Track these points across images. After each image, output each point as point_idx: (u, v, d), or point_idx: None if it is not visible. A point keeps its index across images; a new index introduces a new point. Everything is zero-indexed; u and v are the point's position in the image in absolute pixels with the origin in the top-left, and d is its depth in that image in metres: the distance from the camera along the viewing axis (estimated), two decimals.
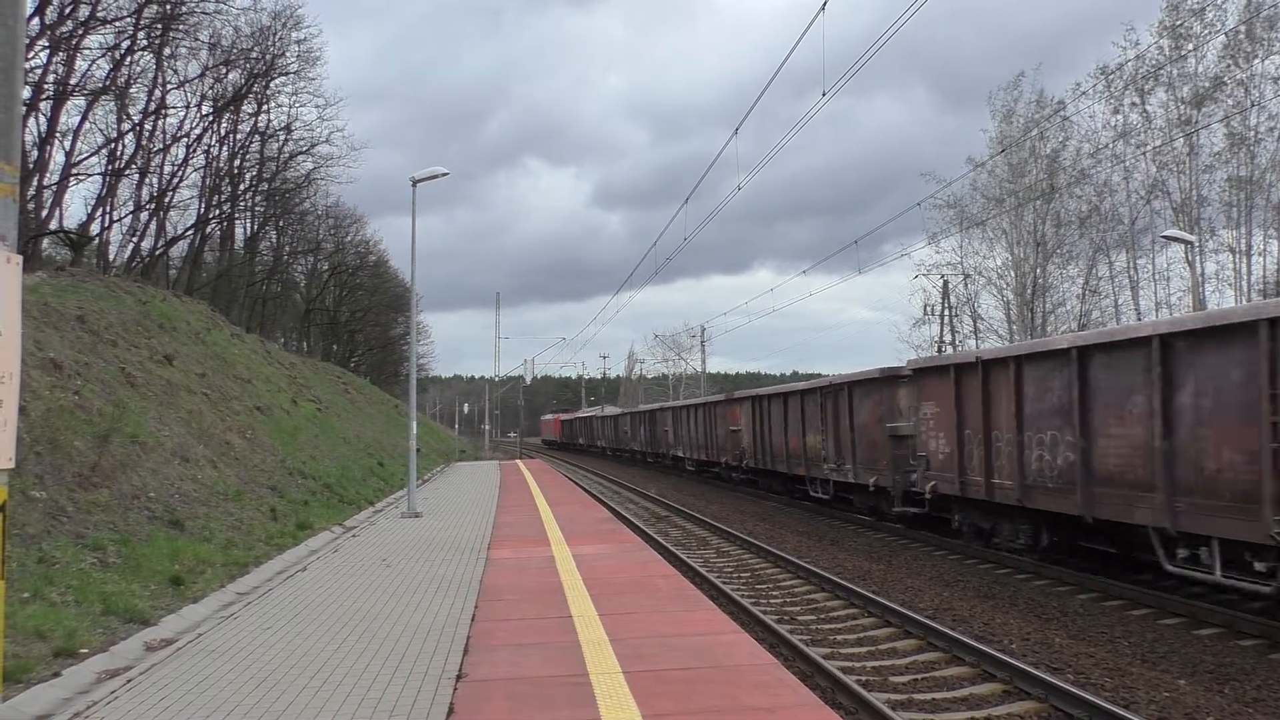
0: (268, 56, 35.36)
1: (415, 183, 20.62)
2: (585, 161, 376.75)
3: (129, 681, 7.19)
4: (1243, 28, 33.34)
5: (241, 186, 39.68)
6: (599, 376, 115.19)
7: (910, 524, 19.21)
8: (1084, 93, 39.33)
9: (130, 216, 32.52)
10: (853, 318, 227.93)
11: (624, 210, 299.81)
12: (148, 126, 30.81)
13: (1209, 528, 10.49)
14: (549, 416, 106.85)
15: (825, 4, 13.99)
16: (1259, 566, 10.03)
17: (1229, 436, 10.26)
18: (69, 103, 26.29)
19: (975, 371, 15.42)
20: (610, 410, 72.97)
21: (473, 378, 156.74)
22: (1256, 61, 33.69)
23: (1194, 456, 10.71)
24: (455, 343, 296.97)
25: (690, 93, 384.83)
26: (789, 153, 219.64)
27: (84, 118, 27.66)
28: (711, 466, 36.80)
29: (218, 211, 38.27)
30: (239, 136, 38.00)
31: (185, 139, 33.64)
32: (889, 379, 19.96)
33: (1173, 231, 29.80)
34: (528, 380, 79.35)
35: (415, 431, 21.53)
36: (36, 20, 22.81)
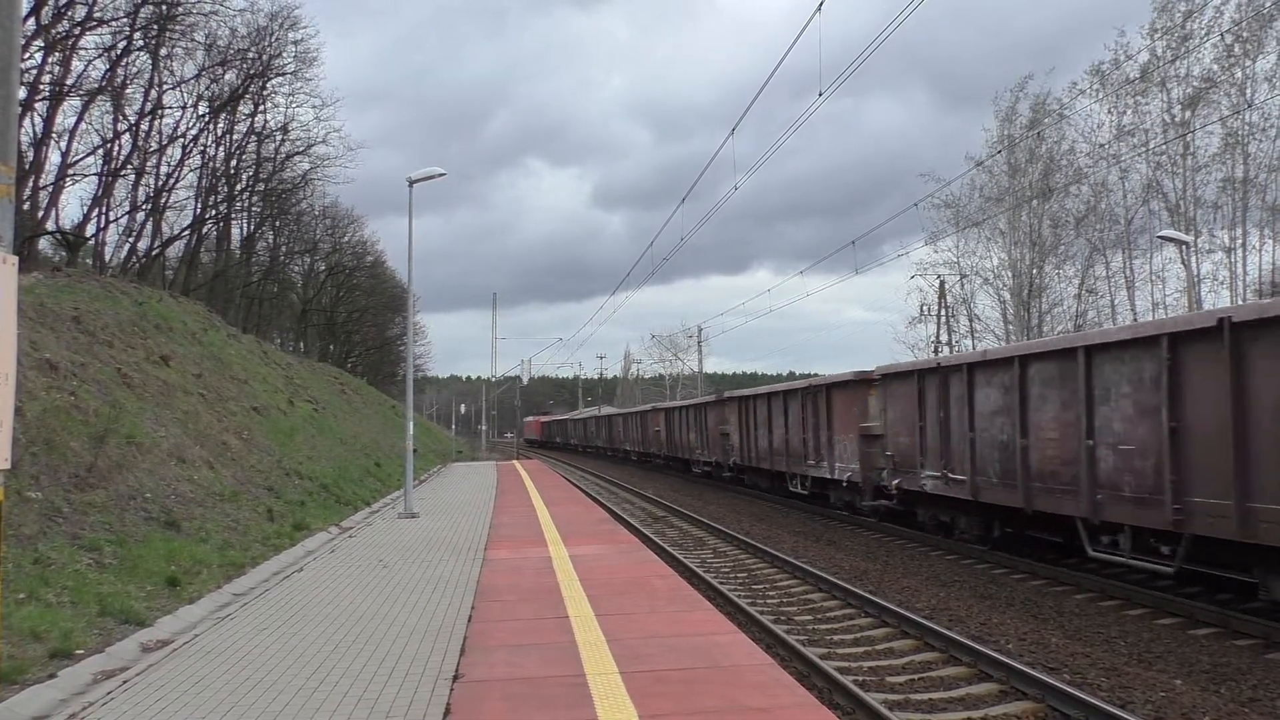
0: (264, 57, 35.37)
1: (412, 183, 20.61)
2: (587, 162, 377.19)
3: (125, 683, 7.18)
4: (1234, 28, 33.40)
5: (238, 187, 39.68)
6: (596, 377, 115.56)
7: (728, 481, 33.11)
8: (1081, 91, 39.43)
9: (126, 217, 32.57)
10: (851, 318, 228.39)
11: (625, 211, 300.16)
12: (144, 127, 30.84)
13: (793, 469, 25.00)
14: (530, 419, 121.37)
15: (821, 4, 14.00)
16: (804, 485, 24.34)
17: (793, 436, 24.86)
18: (65, 103, 26.29)
19: (743, 402, 29.88)
20: (578, 414, 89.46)
21: (469, 378, 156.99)
22: (1249, 62, 33.77)
23: (796, 444, 24.58)
24: (454, 343, 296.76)
25: (692, 93, 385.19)
26: (789, 154, 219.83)
27: (80, 118, 27.66)
28: (645, 456, 50.82)
29: (214, 212, 38.25)
30: (235, 137, 38.03)
31: (181, 139, 33.67)
32: (720, 401, 33.39)
33: (1168, 232, 29.86)
34: (524, 381, 79.39)
35: (412, 432, 21.53)
36: (32, 20, 22.78)
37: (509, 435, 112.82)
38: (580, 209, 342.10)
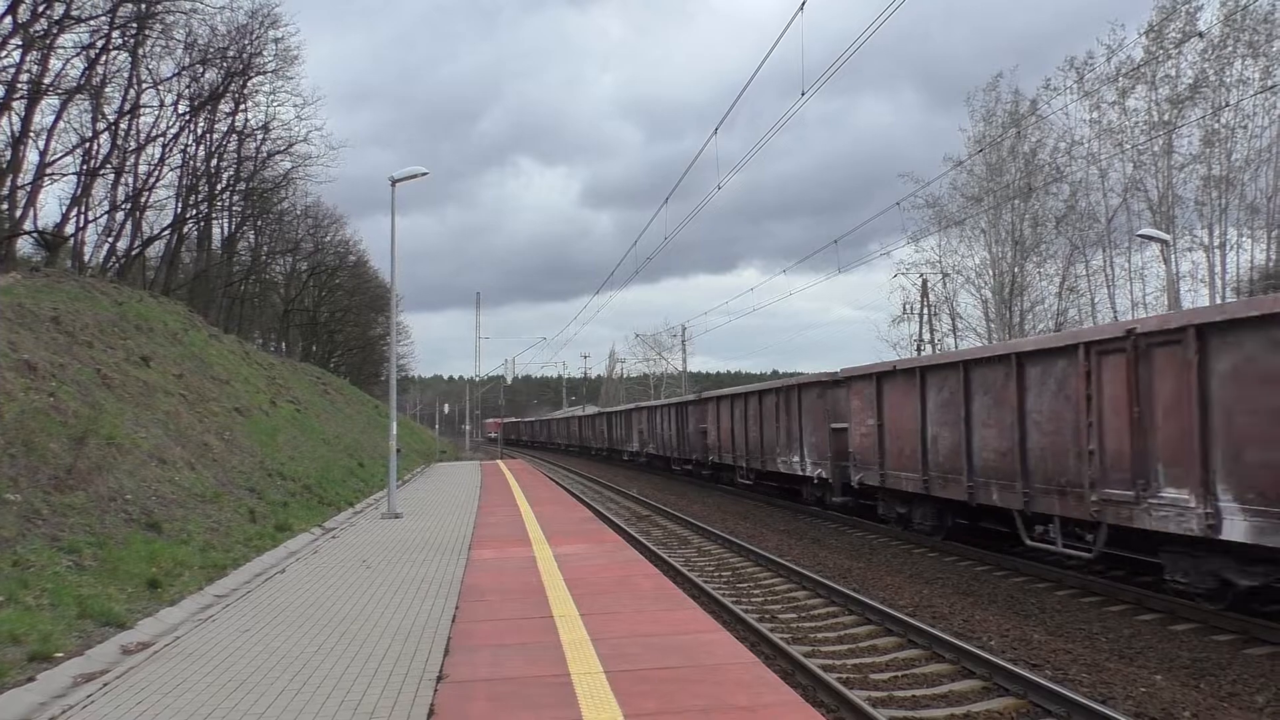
0: (245, 55, 35.11)
1: (394, 182, 20.52)
2: (577, 161, 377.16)
3: (105, 685, 7.12)
4: (1219, 28, 33.66)
5: (219, 186, 39.38)
6: (580, 376, 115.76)
7: (604, 457, 58.84)
8: (1054, 89, 39.64)
9: (106, 217, 32.25)
10: (838, 316, 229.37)
11: (614, 210, 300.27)
12: (123, 126, 30.55)
13: (623, 448, 51.41)
14: (488, 420, 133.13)
15: (804, 4, 14.04)
16: (627, 455, 50.49)
17: (623, 432, 51.31)
18: (43, 102, 26.02)
19: (609, 415, 57.72)
20: (525, 419, 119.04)
21: (451, 378, 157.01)
22: (1237, 63, 34.03)
23: (624, 436, 50.49)
24: (439, 343, 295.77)
25: (685, 92, 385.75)
26: (780, 153, 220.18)
27: (58, 117, 27.39)
28: (569, 446, 75.03)
29: (195, 211, 37.96)
30: (216, 136, 37.73)
31: (161, 138, 33.38)
32: (601, 414, 62.27)
33: (1148, 230, 30.04)
34: (508, 380, 79.36)
35: (395, 432, 21.45)
36: (9, 19, 22.56)
37: (493, 435, 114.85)
38: (569, 208, 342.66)
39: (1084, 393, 12.24)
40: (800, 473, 22.93)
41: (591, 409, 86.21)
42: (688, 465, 35.76)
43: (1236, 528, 9.77)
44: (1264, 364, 9.63)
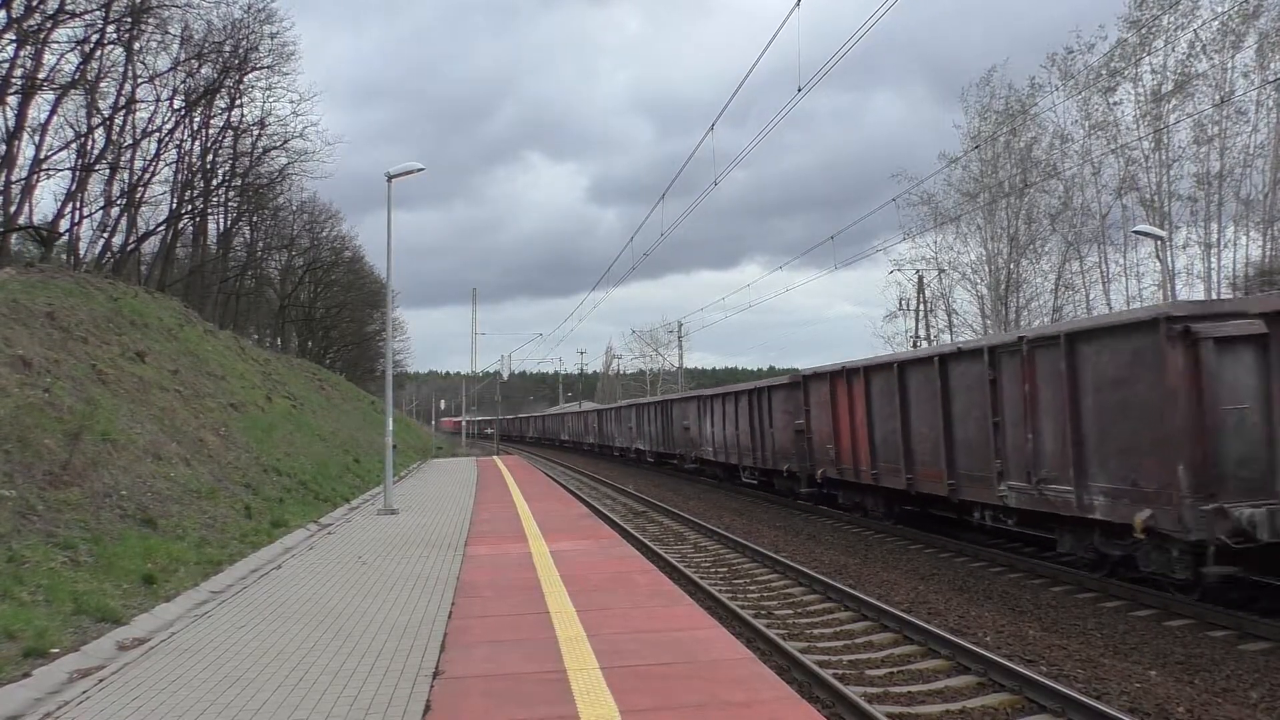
0: (240, 51, 34.96)
1: (390, 178, 20.53)
2: (585, 156, 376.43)
3: (101, 681, 7.12)
4: (1215, 23, 33.64)
5: (214, 181, 39.26)
6: (577, 372, 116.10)
7: (544, 445, 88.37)
8: (1040, 85, 39.65)
9: (101, 212, 32.07)
10: (840, 313, 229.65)
11: (622, 206, 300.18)
12: (118, 121, 30.42)
13: (600, 441, 59.55)
14: (446, 419, 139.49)
15: (799, 1, 14.02)
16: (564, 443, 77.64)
17: (602, 429, 62.86)
18: (38, 96, 25.91)
19: (545, 417, 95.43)
20: (478, 417, 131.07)
21: (448, 373, 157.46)
22: (1231, 54, 34.01)
23: (571, 431, 74.52)
24: (440, 338, 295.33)
25: (700, 88, 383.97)
26: (789, 149, 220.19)
27: (53, 112, 27.22)
28: (510, 437, 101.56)
29: (190, 207, 37.82)
30: (211, 131, 37.57)
31: (157, 134, 33.21)
32: (534, 417, 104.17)
33: (1143, 227, 30.06)
34: (504, 376, 79.38)
35: (391, 428, 21.45)
36: (3, 13, 22.47)
37: (489, 431, 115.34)
38: (576, 204, 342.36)
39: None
40: (676, 452, 37.57)
41: (590, 405, 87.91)
42: (624, 451, 50.69)
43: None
44: None
